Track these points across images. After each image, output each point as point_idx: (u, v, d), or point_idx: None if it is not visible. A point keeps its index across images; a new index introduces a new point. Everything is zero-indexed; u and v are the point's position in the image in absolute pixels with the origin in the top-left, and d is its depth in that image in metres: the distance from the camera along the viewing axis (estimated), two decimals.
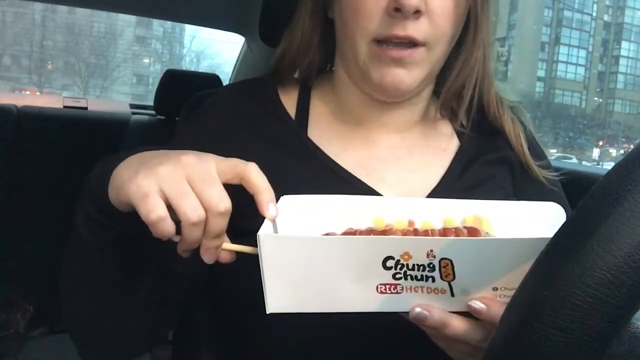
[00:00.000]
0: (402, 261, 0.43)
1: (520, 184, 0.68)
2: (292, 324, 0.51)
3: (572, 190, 0.70)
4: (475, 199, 0.55)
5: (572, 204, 0.71)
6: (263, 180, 0.46)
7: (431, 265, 0.43)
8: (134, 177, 0.44)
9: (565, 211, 0.69)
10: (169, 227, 0.43)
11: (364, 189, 0.62)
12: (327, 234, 0.50)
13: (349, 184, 0.62)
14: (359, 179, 0.62)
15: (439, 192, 0.63)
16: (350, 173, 0.62)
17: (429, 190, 0.63)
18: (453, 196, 0.55)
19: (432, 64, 0.60)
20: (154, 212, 0.42)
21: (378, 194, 0.61)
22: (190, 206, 0.43)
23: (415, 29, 0.57)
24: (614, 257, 0.27)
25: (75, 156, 1.87)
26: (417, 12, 0.56)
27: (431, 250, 0.42)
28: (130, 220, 0.48)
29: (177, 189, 0.43)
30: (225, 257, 0.48)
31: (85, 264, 0.54)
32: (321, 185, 0.59)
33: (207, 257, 0.46)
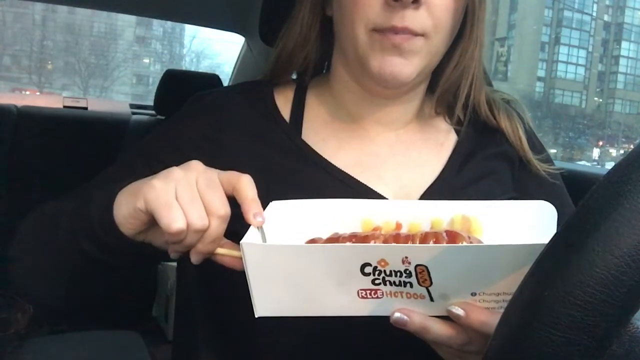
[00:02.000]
0: (379, 267, 0.43)
1: (520, 179, 0.68)
2: (290, 326, 0.51)
3: (572, 190, 0.70)
4: (474, 194, 0.54)
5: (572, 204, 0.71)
6: (252, 190, 0.48)
7: (408, 272, 0.43)
8: (149, 182, 0.47)
9: (567, 204, 0.69)
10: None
11: (360, 188, 0.61)
12: (312, 240, 0.51)
13: (344, 184, 0.61)
14: (355, 178, 0.62)
15: (437, 187, 0.63)
16: (345, 172, 0.62)
17: (426, 186, 0.63)
18: (452, 191, 0.55)
19: (430, 55, 0.60)
20: (176, 223, 0.45)
21: (374, 192, 0.61)
22: (197, 214, 0.46)
23: (414, 20, 0.56)
24: (614, 257, 0.27)
25: (75, 156, 1.88)
26: (416, 2, 0.55)
27: (406, 257, 0.42)
28: (128, 250, 0.52)
29: (189, 194, 0.46)
30: (232, 263, 0.49)
31: (56, 244, 0.56)
32: (316, 187, 0.59)
33: (195, 258, 0.49)
